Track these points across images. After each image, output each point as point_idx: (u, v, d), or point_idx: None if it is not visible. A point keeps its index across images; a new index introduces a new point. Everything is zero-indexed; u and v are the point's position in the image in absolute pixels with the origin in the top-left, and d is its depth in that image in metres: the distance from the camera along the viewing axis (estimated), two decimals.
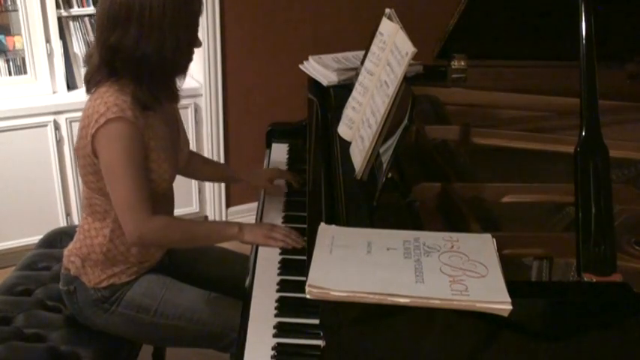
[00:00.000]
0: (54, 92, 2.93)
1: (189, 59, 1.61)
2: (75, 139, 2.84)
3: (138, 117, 1.53)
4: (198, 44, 1.61)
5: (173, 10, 1.49)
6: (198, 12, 1.57)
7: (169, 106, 1.70)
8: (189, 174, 1.95)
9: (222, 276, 1.86)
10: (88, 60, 1.62)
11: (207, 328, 1.67)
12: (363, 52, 1.79)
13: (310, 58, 2.11)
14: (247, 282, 1.59)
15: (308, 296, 1.00)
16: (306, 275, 1.03)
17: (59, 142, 2.90)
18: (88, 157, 1.58)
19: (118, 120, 1.50)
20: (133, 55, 1.51)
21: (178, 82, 1.66)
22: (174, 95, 1.66)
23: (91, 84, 1.60)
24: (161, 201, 1.69)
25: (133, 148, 1.53)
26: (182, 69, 1.62)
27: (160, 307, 1.68)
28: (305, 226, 1.68)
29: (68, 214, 3.03)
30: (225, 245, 1.88)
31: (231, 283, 1.80)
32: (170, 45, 1.51)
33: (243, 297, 1.57)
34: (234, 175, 2.16)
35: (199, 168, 1.97)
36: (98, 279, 1.69)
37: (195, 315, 1.68)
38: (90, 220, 1.69)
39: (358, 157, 1.49)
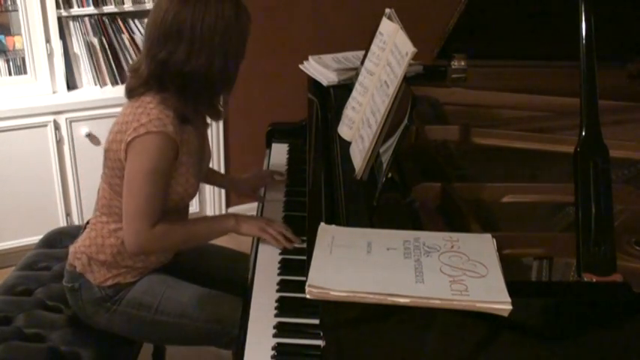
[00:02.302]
0: (54, 92, 2.93)
1: (236, 76, 1.63)
2: (76, 139, 2.89)
3: (177, 132, 1.55)
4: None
5: (224, 29, 1.51)
6: (247, 31, 1.58)
7: (204, 121, 1.71)
8: None
9: (223, 274, 1.87)
10: (134, 71, 1.62)
11: (208, 325, 1.67)
12: (363, 52, 1.79)
13: (310, 58, 2.11)
14: (247, 282, 1.59)
15: (308, 296, 1.00)
16: (306, 275, 1.03)
17: (59, 142, 2.90)
18: (119, 161, 1.59)
19: (159, 134, 1.52)
20: (181, 70, 1.52)
21: (223, 99, 1.67)
22: (217, 112, 1.68)
23: (134, 93, 1.61)
24: (180, 212, 1.72)
25: (162, 165, 1.55)
26: (229, 86, 1.64)
27: (161, 305, 1.69)
28: (305, 226, 1.68)
29: (68, 214, 3.03)
30: (226, 244, 1.89)
31: (232, 282, 1.80)
32: (219, 63, 1.53)
33: (243, 296, 1.57)
34: (221, 183, 2.23)
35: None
36: (103, 278, 1.70)
37: (195, 312, 1.68)
38: (105, 219, 1.70)
39: (358, 157, 1.49)
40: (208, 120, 1.76)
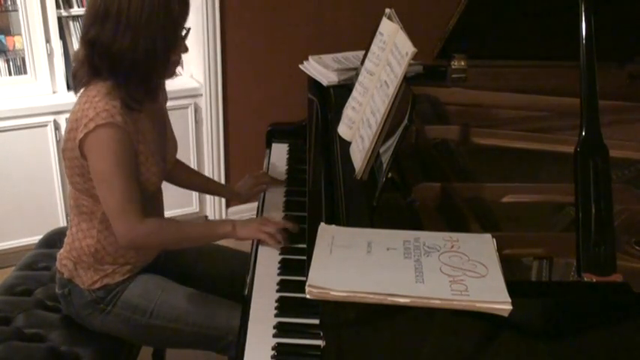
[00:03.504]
0: (54, 92, 2.93)
1: (167, 62, 1.58)
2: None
3: (127, 122, 1.54)
4: (183, 50, 1.60)
5: (150, 11, 1.49)
6: (178, 17, 1.55)
7: (158, 107, 1.70)
8: (171, 180, 1.93)
9: (221, 274, 1.86)
10: (75, 56, 1.63)
11: (204, 330, 1.67)
12: (363, 52, 1.79)
13: (310, 58, 2.11)
14: (247, 282, 1.59)
15: (308, 296, 1.00)
16: (306, 275, 1.03)
17: (59, 142, 2.90)
18: (76, 159, 1.58)
19: (108, 126, 1.50)
20: (108, 51, 1.51)
21: (158, 84, 1.65)
22: (154, 97, 1.65)
23: (76, 80, 1.60)
24: (150, 203, 1.69)
25: (123, 155, 1.53)
26: (159, 72, 1.60)
27: (156, 309, 1.68)
28: (305, 226, 1.68)
29: (68, 214, 3.03)
30: (225, 243, 1.89)
31: (231, 281, 1.80)
32: (144, 46, 1.51)
33: (243, 297, 1.57)
34: (215, 190, 2.21)
35: (182, 175, 1.96)
36: (91, 280, 1.69)
37: (191, 317, 1.67)
38: (77, 221, 1.69)
39: (358, 157, 1.49)
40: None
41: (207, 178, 2.21)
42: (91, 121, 1.51)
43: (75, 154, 1.57)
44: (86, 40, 1.54)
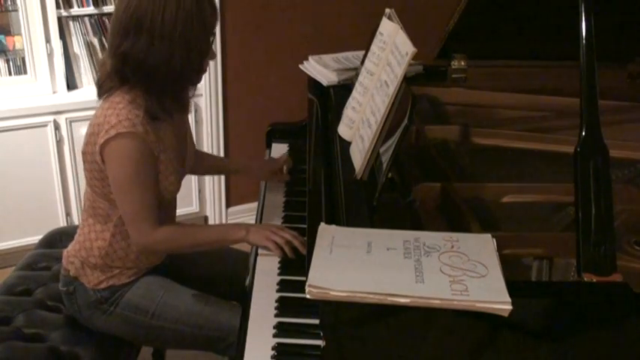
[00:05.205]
0: (54, 92, 2.93)
1: (201, 71, 1.60)
2: (76, 139, 2.89)
3: (149, 132, 1.53)
4: (212, 56, 1.60)
5: (185, 22, 1.48)
6: (211, 26, 1.55)
7: (180, 116, 1.70)
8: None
9: (221, 274, 1.86)
10: (100, 66, 1.62)
11: (205, 331, 1.67)
12: (363, 52, 1.79)
13: (310, 58, 2.11)
14: (247, 282, 1.59)
15: (308, 296, 1.00)
16: (306, 275, 1.03)
17: (59, 142, 2.90)
18: (96, 163, 1.58)
19: (129, 135, 1.50)
20: (142, 64, 1.50)
21: (189, 93, 1.65)
22: (183, 106, 1.66)
23: (102, 90, 1.60)
24: (164, 210, 1.70)
25: (142, 164, 1.54)
26: (192, 81, 1.62)
27: (158, 310, 1.68)
28: (305, 226, 1.68)
29: (68, 214, 3.03)
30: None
31: (232, 281, 1.80)
32: (180, 56, 1.50)
33: (243, 297, 1.57)
34: (230, 168, 2.20)
35: (197, 164, 1.96)
36: (97, 280, 1.69)
37: (192, 318, 1.67)
38: (91, 222, 1.69)
39: (358, 157, 1.49)
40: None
41: (212, 157, 2.18)
42: (112, 128, 1.50)
43: (94, 158, 1.57)
44: (117, 54, 1.52)
